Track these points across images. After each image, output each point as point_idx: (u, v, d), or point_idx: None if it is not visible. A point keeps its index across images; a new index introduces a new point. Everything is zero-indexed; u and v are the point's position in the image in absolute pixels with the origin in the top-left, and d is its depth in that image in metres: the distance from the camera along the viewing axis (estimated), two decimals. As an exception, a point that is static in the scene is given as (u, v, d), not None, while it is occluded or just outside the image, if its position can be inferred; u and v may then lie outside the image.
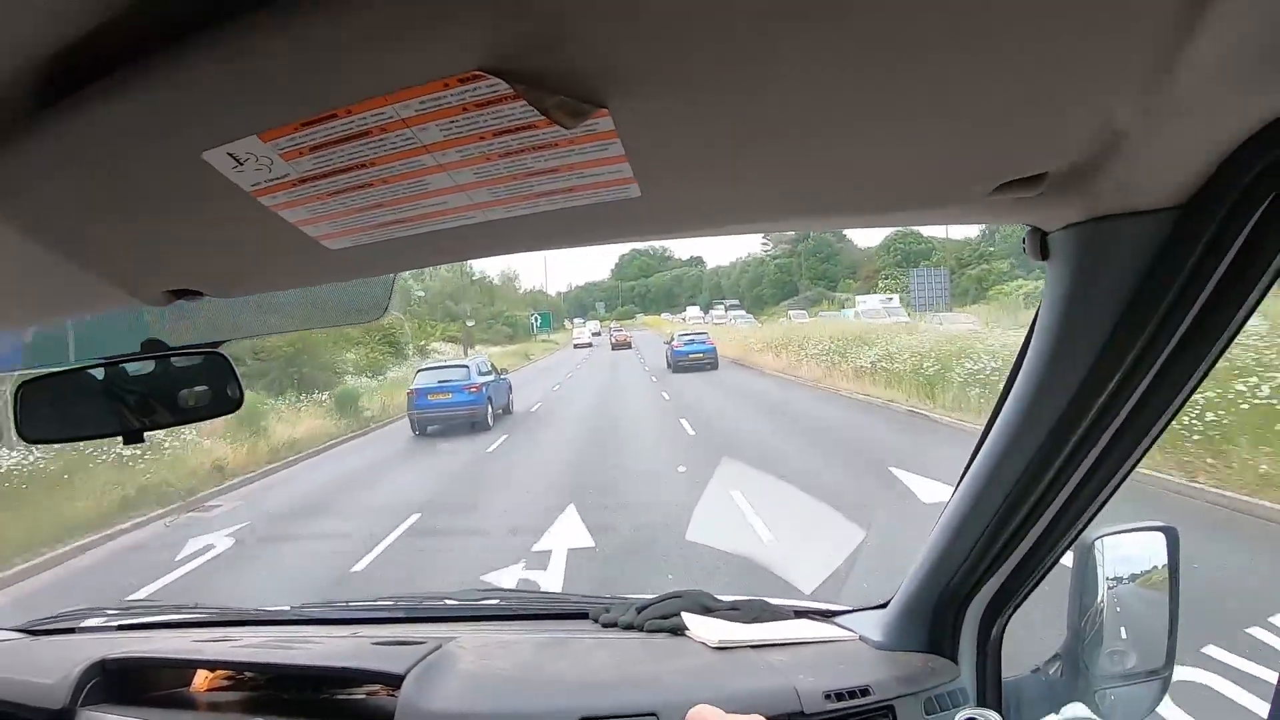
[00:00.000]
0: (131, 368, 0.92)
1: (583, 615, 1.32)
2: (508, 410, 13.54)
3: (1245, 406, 6.23)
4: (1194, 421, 6.14)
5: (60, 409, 0.95)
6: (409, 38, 0.36)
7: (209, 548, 6.59)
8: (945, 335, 14.70)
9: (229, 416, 0.99)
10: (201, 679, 1.19)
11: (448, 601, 1.47)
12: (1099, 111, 0.47)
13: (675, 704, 0.95)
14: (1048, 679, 1.00)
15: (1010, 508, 0.85)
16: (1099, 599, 0.93)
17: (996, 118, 0.46)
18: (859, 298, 35.92)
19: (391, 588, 4.62)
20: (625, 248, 68.25)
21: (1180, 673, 1.48)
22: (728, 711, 0.53)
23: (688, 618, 1.21)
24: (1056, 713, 0.89)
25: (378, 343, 21.94)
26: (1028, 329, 0.75)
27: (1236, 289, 0.59)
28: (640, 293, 73.69)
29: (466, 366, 13.25)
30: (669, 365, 20.38)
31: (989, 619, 1.01)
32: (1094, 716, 0.88)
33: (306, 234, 0.53)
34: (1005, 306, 22.08)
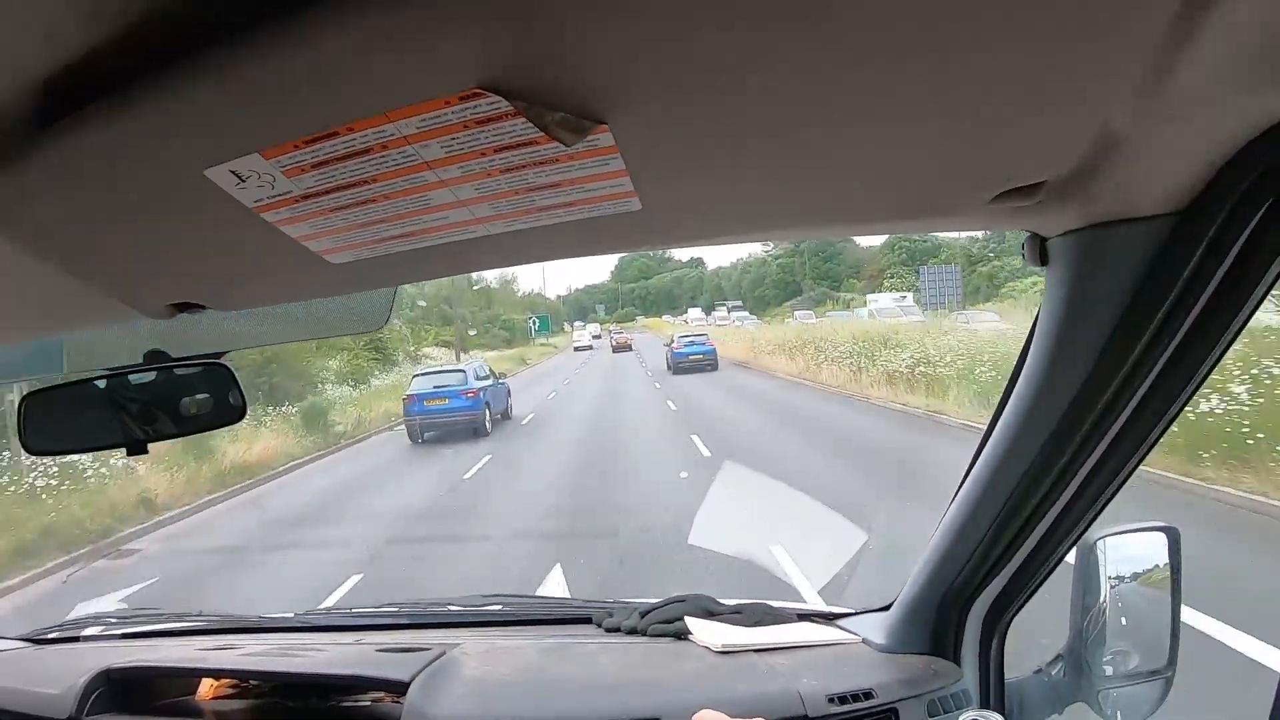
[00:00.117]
0: (134, 379, 0.92)
1: (586, 620, 1.32)
2: (506, 415, 13.37)
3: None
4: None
5: (64, 421, 0.96)
6: (408, 57, 0.37)
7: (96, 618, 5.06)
8: (981, 335, 13.47)
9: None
10: (206, 687, 1.19)
11: (451, 607, 1.47)
12: (1096, 116, 0.47)
13: (679, 708, 0.95)
14: (1050, 680, 1.00)
15: (1012, 510, 0.85)
16: (1101, 599, 0.93)
17: (994, 124, 0.47)
18: (870, 297, 34.91)
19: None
20: (625, 250, 68.26)
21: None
22: (731, 715, 0.53)
23: (691, 622, 1.22)
24: (1059, 713, 0.89)
25: (363, 348, 19.58)
26: (1028, 333, 0.76)
27: (1235, 294, 0.59)
28: (640, 295, 73.74)
29: (463, 371, 12.98)
30: (669, 367, 20.33)
31: (991, 620, 1.01)
32: None
33: (309, 248, 0.54)
34: (1021, 304, 21.03)
